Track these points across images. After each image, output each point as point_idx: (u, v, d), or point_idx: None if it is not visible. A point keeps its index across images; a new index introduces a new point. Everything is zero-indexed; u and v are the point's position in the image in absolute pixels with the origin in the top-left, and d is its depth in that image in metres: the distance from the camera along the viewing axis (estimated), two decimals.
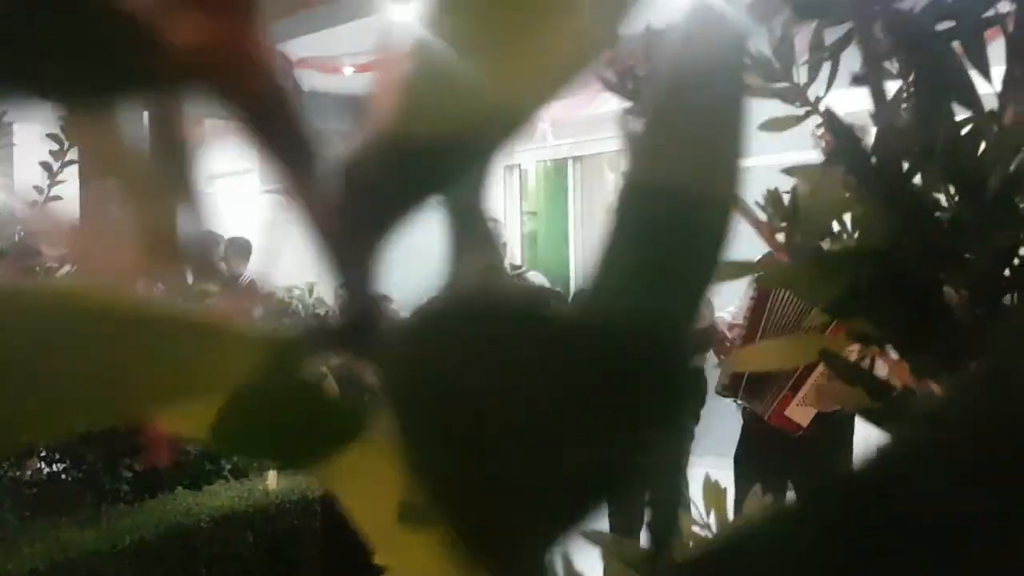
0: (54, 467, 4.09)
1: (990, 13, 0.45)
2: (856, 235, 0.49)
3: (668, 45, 0.15)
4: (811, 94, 0.57)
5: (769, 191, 0.72)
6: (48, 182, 3.90)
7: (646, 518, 0.24)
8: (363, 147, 0.16)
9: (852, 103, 0.48)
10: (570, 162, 7.42)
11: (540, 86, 0.15)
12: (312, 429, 0.18)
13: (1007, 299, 0.40)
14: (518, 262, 7.70)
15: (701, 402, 3.47)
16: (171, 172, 0.19)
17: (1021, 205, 0.37)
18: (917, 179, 0.42)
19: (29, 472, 3.80)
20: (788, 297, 3.02)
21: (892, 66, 0.44)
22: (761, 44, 0.57)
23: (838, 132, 0.35)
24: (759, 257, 0.64)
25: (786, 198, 0.64)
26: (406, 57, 0.15)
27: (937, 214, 0.41)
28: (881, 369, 0.47)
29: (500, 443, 0.15)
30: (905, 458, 0.13)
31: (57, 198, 3.97)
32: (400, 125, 0.16)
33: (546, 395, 0.15)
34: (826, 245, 0.55)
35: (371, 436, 0.17)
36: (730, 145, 0.16)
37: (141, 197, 0.19)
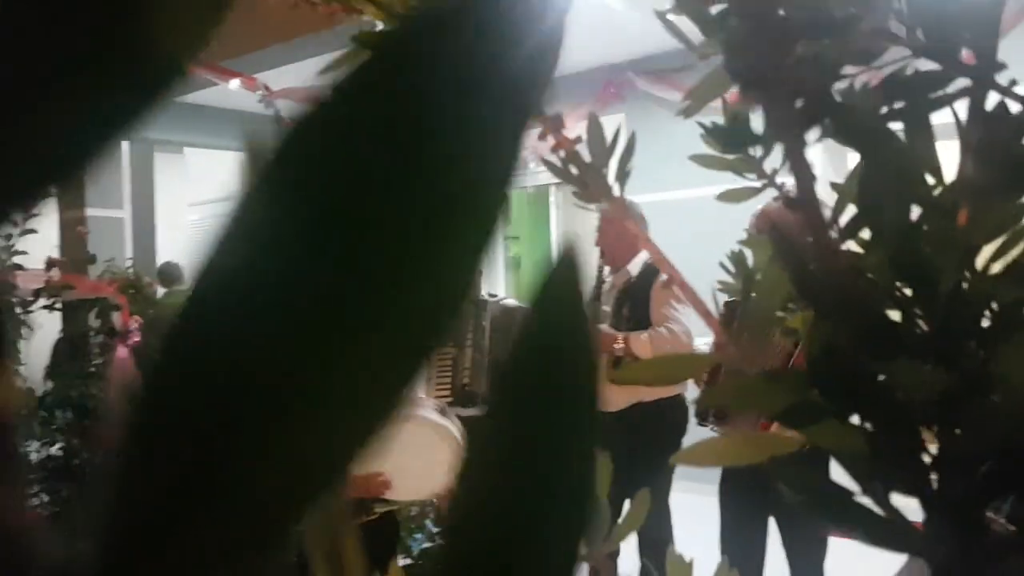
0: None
1: (939, 93, 0.44)
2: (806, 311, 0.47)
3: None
4: (767, 166, 0.55)
5: (734, 252, 0.71)
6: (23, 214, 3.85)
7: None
8: None
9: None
10: (552, 188, 7.45)
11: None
12: None
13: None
14: (500, 287, 7.68)
15: (682, 432, 3.46)
16: None
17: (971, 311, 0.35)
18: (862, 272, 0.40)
19: None
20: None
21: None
22: (716, 116, 0.55)
23: (777, 242, 0.33)
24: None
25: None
26: None
27: (885, 311, 0.39)
28: None
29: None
30: None
31: (32, 231, 3.92)
32: None
33: None
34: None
35: None
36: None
37: None
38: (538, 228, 7.90)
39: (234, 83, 4.79)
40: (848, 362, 0.36)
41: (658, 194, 5.38)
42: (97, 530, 0.12)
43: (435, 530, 3.47)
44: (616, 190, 0.40)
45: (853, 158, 0.45)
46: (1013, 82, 0.47)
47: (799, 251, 0.33)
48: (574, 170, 0.41)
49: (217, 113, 7.42)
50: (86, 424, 3.80)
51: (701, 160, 0.56)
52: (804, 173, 0.31)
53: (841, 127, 0.39)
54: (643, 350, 3.23)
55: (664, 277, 3.35)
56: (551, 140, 0.42)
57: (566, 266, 0.13)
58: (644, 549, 3.39)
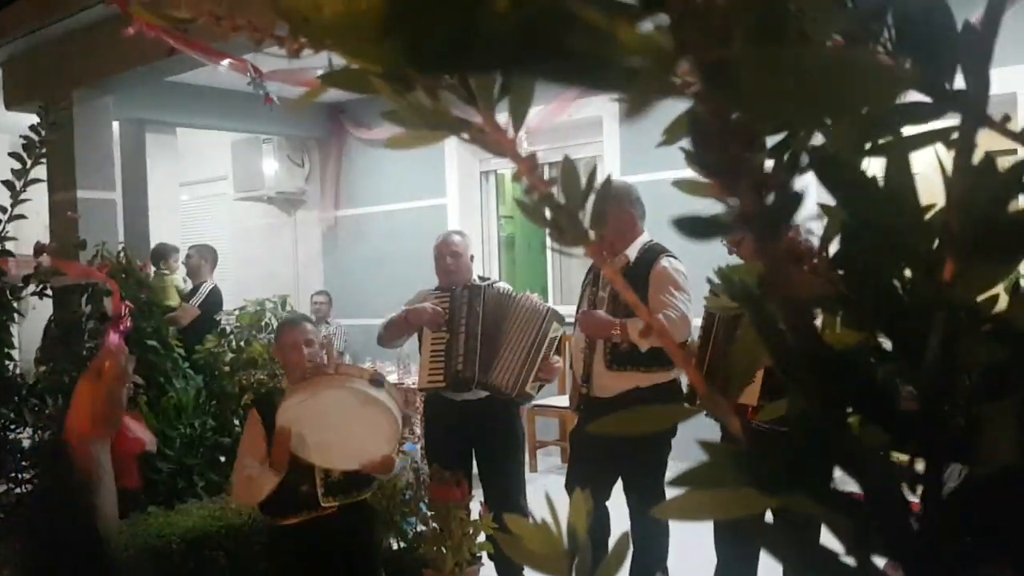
0: (22, 488, 4.01)
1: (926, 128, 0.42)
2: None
3: None
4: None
5: (720, 269, 0.69)
6: (12, 200, 3.81)
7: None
8: None
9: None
10: (546, 167, 7.42)
11: None
12: None
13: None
14: (494, 267, 7.67)
15: (672, 431, 3.46)
16: None
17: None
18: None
19: None
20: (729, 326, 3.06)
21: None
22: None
23: (753, 313, 0.32)
24: None
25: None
26: None
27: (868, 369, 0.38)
28: None
29: None
30: None
31: (21, 216, 3.88)
32: None
33: None
34: None
35: None
36: None
37: None
38: None
39: (224, 64, 4.73)
40: (826, 430, 0.34)
41: (658, 174, 5.35)
42: None
43: (429, 513, 3.48)
44: (592, 236, 0.39)
45: None
46: (1007, 117, 0.46)
47: (774, 323, 0.32)
48: (548, 214, 0.40)
49: (208, 93, 7.35)
50: None
51: (683, 187, 0.55)
52: (775, 259, 0.30)
53: (822, 175, 0.37)
54: (640, 337, 3.23)
55: (664, 261, 3.33)
56: (525, 181, 0.41)
57: None
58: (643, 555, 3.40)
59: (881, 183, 0.36)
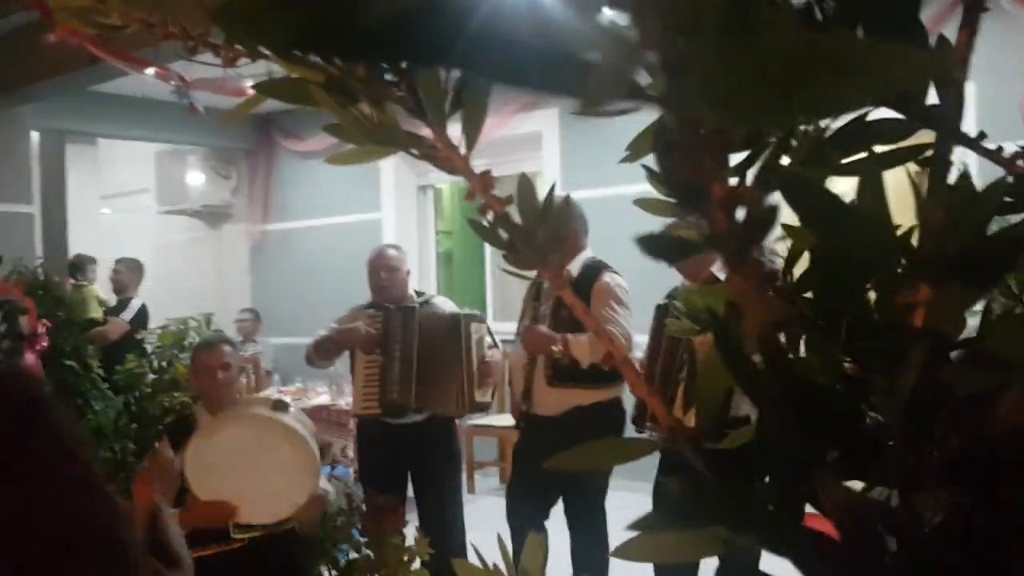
0: None
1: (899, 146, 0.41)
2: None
3: None
4: None
5: (681, 290, 0.68)
6: None
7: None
8: None
9: None
10: None
11: None
12: None
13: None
14: (431, 283, 7.59)
15: (619, 434, 3.46)
16: None
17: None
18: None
19: None
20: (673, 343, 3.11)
21: None
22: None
23: (703, 323, 0.30)
24: None
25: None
26: None
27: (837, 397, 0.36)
28: None
29: None
30: None
31: None
32: None
33: None
34: None
35: None
36: None
37: None
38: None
39: (148, 72, 4.58)
40: (801, 461, 0.32)
41: (599, 190, 5.38)
42: None
43: (363, 540, 3.39)
44: (551, 260, 0.36)
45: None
46: (982, 134, 0.45)
47: (741, 352, 0.30)
48: (503, 234, 0.37)
49: (132, 102, 7.12)
50: None
51: (645, 205, 0.53)
52: (747, 282, 0.28)
53: (789, 196, 0.36)
54: (582, 352, 3.21)
55: (606, 276, 3.33)
56: (479, 199, 0.38)
57: None
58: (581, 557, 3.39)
59: (851, 204, 0.34)
